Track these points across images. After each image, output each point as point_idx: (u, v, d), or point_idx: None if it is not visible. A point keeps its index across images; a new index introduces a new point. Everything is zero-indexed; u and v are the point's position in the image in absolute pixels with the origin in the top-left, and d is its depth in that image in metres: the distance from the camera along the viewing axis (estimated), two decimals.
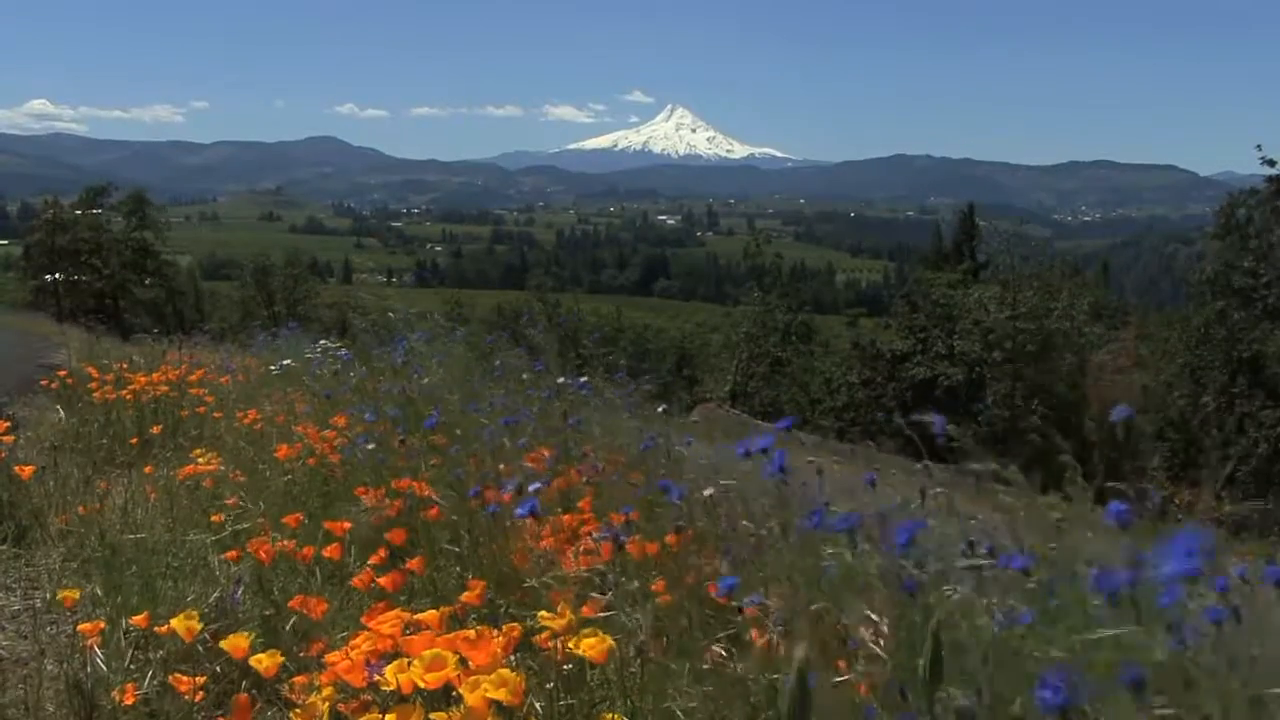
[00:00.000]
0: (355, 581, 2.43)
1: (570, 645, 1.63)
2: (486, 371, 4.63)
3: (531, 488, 2.28)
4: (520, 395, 4.14)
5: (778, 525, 1.83)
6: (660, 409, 4.11)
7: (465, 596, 2.01)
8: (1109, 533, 1.38)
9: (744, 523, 1.92)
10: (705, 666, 1.68)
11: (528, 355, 4.44)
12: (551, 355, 4.07)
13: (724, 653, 1.67)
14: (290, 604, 2.32)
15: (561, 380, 4.02)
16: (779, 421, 2.03)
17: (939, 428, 1.53)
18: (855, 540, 1.51)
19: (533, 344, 4.34)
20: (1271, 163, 20.30)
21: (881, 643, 1.30)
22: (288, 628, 2.45)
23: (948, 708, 1.10)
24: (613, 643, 1.63)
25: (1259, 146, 20.25)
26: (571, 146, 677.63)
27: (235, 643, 1.85)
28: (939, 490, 1.81)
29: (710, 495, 2.09)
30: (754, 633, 1.68)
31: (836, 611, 1.44)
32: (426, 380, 4.31)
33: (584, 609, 1.81)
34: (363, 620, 1.75)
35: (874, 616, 1.32)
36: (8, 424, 4.51)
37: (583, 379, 4.02)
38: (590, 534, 2.28)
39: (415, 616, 1.71)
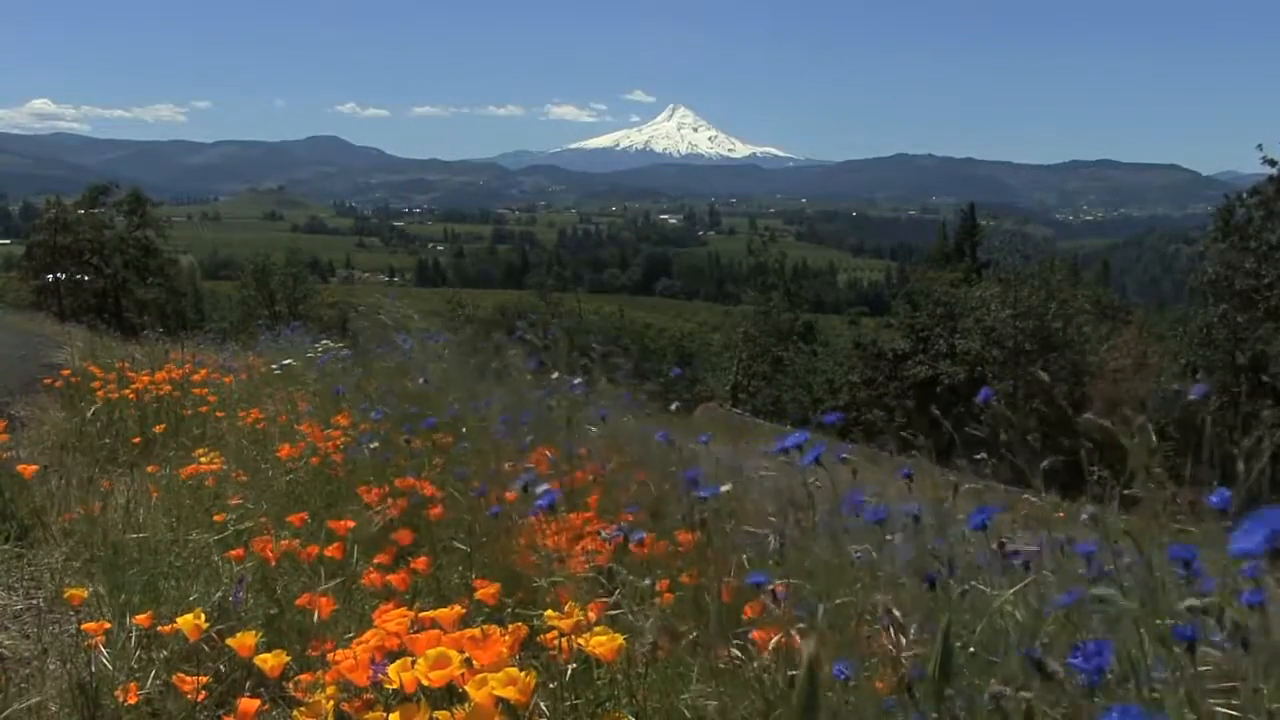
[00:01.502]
0: (365, 579, 2.43)
1: (581, 643, 1.62)
2: (486, 371, 4.62)
3: (541, 488, 2.27)
4: (521, 396, 4.13)
5: (798, 523, 1.82)
6: (674, 406, 4.11)
7: (479, 595, 2.00)
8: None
9: (770, 520, 1.91)
10: (720, 665, 1.67)
11: (530, 355, 4.43)
12: (560, 357, 4.05)
13: (737, 652, 1.66)
14: (297, 603, 2.32)
15: (558, 378, 4.01)
16: (828, 416, 2.05)
17: (984, 397, 1.54)
18: (882, 536, 1.51)
19: (536, 345, 4.32)
20: (1273, 162, 20.29)
21: (904, 640, 1.29)
22: (292, 625, 2.45)
23: (956, 704, 1.10)
24: (622, 641, 1.62)
25: (1260, 146, 20.26)
26: (573, 146, 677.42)
27: (242, 641, 1.84)
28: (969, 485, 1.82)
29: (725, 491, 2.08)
30: (758, 633, 1.67)
31: (862, 607, 1.43)
32: (423, 381, 4.30)
33: (591, 608, 1.80)
34: (374, 618, 1.75)
35: (897, 613, 1.32)
36: (5, 423, 4.50)
37: (579, 380, 4.01)
38: (599, 532, 2.27)
39: (429, 615, 1.70)
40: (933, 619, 1.31)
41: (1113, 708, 1.01)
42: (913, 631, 1.32)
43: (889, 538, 1.58)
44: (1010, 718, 1.10)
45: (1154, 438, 1.38)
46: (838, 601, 1.42)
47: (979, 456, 1.94)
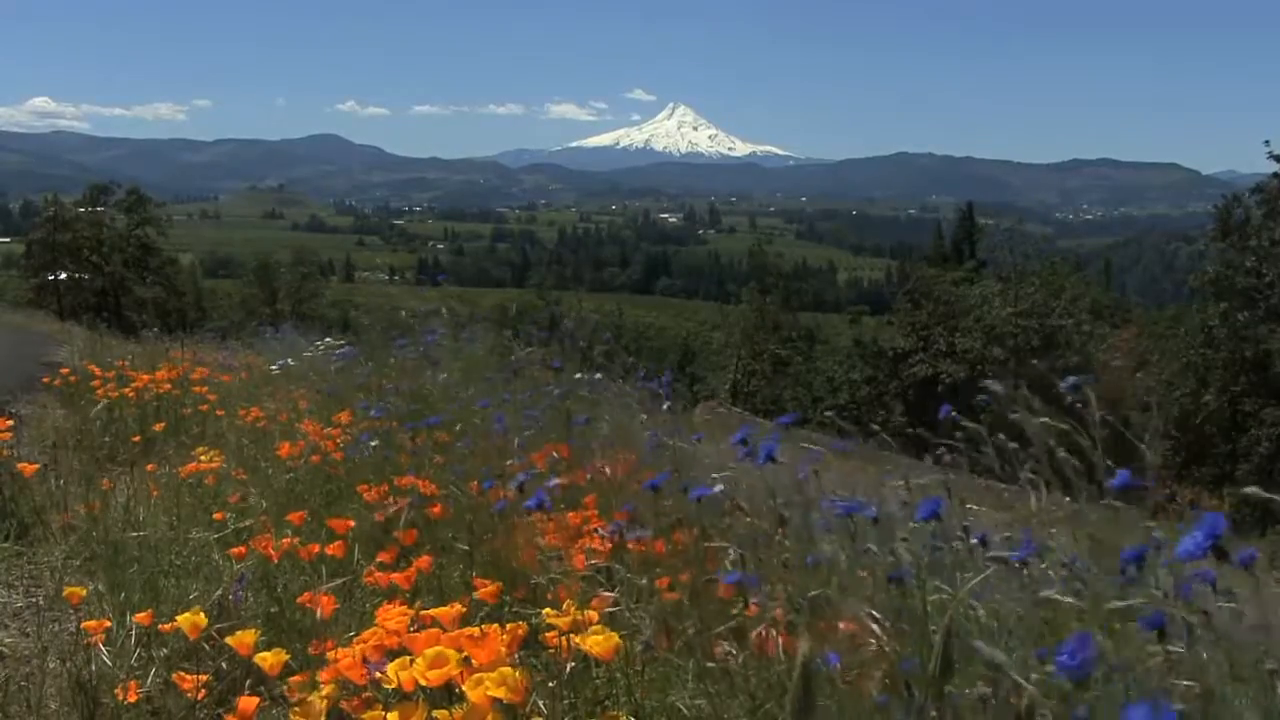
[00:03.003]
0: (367, 578, 2.43)
1: (577, 642, 1.62)
2: (500, 368, 4.63)
3: (553, 481, 2.28)
4: (535, 394, 4.14)
5: (775, 519, 1.82)
6: (665, 406, 4.10)
7: (480, 594, 2.00)
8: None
9: (747, 519, 1.91)
10: (710, 664, 1.67)
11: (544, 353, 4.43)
12: (572, 355, 4.06)
13: (730, 650, 1.67)
14: (299, 600, 2.32)
15: (578, 377, 4.02)
16: (781, 418, 2.04)
17: (944, 413, 1.55)
18: (854, 532, 1.52)
19: (547, 342, 4.33)
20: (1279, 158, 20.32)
21: (885, 637, 1.30)
22: (292, 624, 2.45)
23: (955, 702, 1.10)
24: (619, 640, 1.62)
25: (1267, 142, 20.29)
26: (573, 144, 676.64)
27: (241, 639, 1.84)
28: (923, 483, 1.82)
29: (717, 492, 2.08)
30: (753, 631, 1.67)
31: (837, 606, 1.43)
32: (444, 376, 4.31)
33: (592, 604, 1.80)
34: (376, 617, 1.75)
35: (875, 613, 1.32)
36: (10, 421, 4.51)
37: (596, 376, 4.02)
38: (597, 530, 2.27)
39: (430, 613, 1.70)
40: (906, 617, 1.31)
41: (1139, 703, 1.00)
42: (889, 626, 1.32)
43: (869, 547, 1.59)
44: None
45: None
46: (812, 594, 1.42)
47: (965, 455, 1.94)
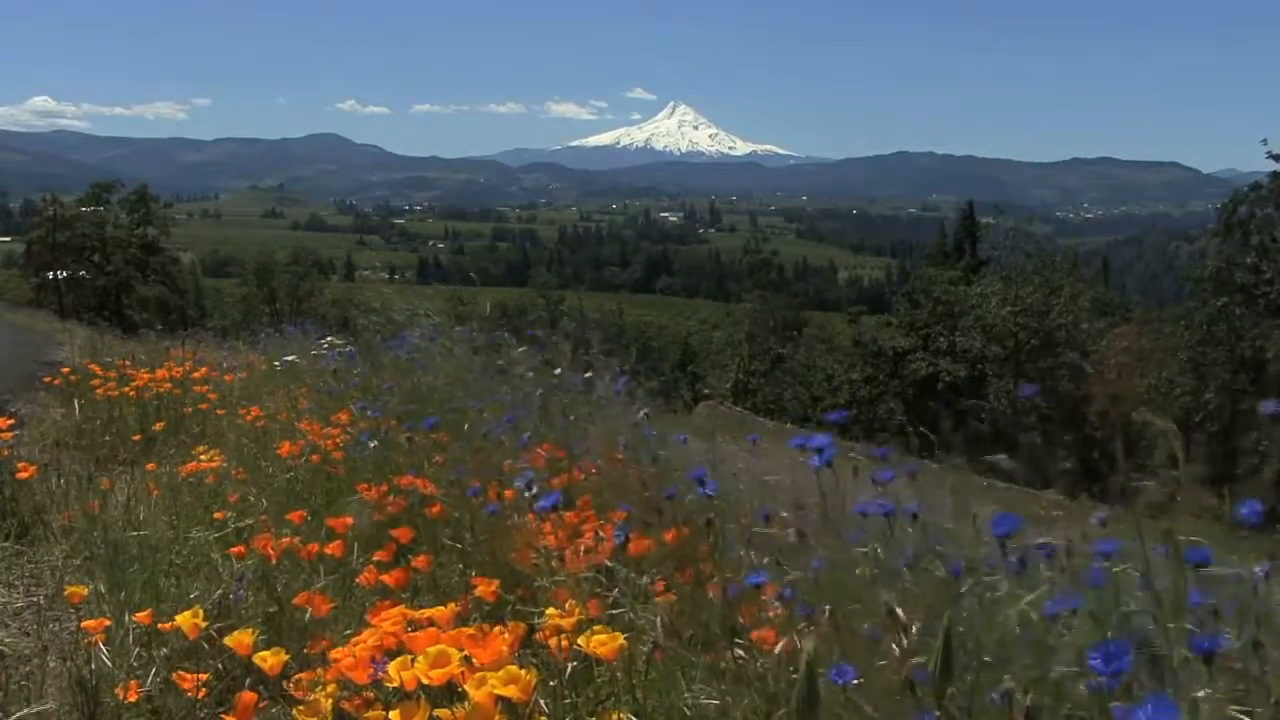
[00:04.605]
0: (363, 578, 2.42)
1: (581, 643, 1.61)
2: (489, 367, 4.62)
3: (531, 487, 2.26)
4: (522, 393, 4.12)
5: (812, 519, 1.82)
6: (643, 413, 4.06)
7: (479, 592, 1.99)
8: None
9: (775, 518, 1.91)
10: (722, 665, 1.67)
11: (536, 352, 4.41)
12: (560, 354, 4.04)
13: (740, 653, 1.66)
14: (295, 601, 2.32)
15: (558, 372, 4.00)
16: (831, 415, 2.04)
17: (1028, 393, 1.53)
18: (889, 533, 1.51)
19: (540, 342, 4.31)
20: (1278, 158, 20.31)
21: (906, 641, 1.29)
22: (292, 623, 2.45)
23: (958, 704, 1.10)
24: (623, 641, 1.61)
25: (1265, 141, 20.29)
26: (574, 144, 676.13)
27: (239, 639, 1.84)
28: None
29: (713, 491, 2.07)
30: (761, 632, 1.66)
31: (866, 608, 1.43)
32: (431, 377, 4.30)
33: (590, 605, 1.79)
34: (369, 618, 1.74)
35: (900, 612, 1.31)
36: (10, 420, 4.50)
37: (587, 375, 4.00)
38: (596, 530, 2.27)
39: (425, 613, 1.70)
40: (937, 618, 1.30)
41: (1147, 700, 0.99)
42: (915, 631, 1.31)
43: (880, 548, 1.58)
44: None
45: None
46: (849, 607, 1.41)
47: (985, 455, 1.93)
